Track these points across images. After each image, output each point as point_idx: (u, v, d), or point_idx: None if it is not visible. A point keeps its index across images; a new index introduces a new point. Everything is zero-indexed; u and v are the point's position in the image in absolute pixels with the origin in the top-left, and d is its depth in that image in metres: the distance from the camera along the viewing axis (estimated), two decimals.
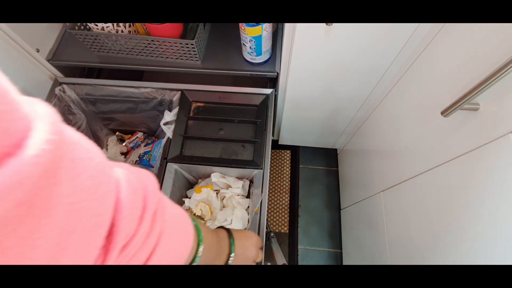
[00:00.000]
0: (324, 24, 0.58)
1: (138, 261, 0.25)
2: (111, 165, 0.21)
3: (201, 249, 0.35)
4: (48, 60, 0.82)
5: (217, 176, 0.74)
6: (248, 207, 0.72)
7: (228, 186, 0.75)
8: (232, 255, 0.44)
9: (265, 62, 0.81)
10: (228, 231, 0.46)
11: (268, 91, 0.80)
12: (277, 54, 0.82)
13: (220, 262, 0.43)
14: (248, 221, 0.69)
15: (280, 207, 1.28)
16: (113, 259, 0.21)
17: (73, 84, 0.83)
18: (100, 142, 0.99)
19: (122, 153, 1.01)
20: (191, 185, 0.82)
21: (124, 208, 0.21)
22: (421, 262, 0.60)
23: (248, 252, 0.48)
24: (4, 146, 0.12)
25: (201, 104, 0.81)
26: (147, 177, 0.26)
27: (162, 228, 0.26)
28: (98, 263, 0.20)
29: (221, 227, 0.48)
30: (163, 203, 0.27)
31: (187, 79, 0.84)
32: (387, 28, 0.60)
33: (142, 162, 0.97)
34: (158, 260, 0.26)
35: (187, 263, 0.34)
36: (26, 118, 0.14)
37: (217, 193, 0.75)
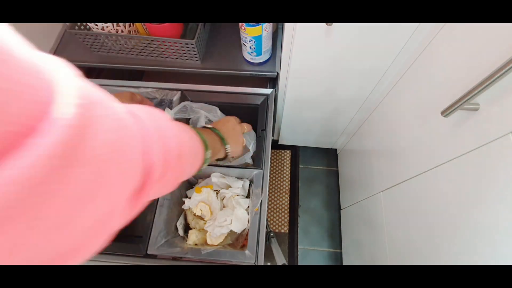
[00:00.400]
0: (324, 24, 0.58)
1: (170, 183, 0.31)
2: (132, 113, 0.25)
3: (209, 153, 0.44)
4: None
5: (217, 176, 0.74)
6: (248, 207, 0.72)
7: (228, 186, 0.75)
8: (228, 146, 0.54)
9: (265, 62, 0.81)
10: (212, 129, 0.54)
11: (268, 91, 0.80)
12: (277, 54, 0.82)
13: (222, 155, 0.54)
14: (248, 221, 0.69)
15: (280, 207, 1.28)
16: (152, 185, 0.26)
17: None
18: None
19: None
20: (191, 185, 0.82)
21: (156, 162, 0.25)
22: (421, 262, 0.60)
23: (234, 132, 0.58)
24: (31, 116, 0.14)
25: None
26: (164, 120, 0.31)
27: (183, 162, 0.32)
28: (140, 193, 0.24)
29: (205, 127, 0.55)
30: (182, 144, 0.32)
31: (187, 79, 0.84)
32: (387, 28, 0.60)
33: None
34: (185, 175, 0.35)
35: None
36: (48, 85, 0.15)
37: (217, 193, 0.75)
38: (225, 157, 0.56)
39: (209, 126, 0.56)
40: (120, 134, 0.20)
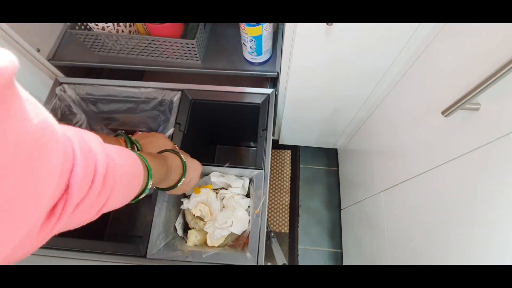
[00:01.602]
0: (325, 24, 0.58)
1: (93, 212, 0.28)
2: (59, 126, 0.22)
3: (150, 183, 0.40)
4: (49, 60, 0.82)
5: (216, 175, 0.74)
6: (249, 206, 0.72)
7: (228, 185, 0.75)
8: (181, 182, 0.53)
9: (266, 61, 0.81)
10: (183, 161, 0.54)
11: (268, 91, 0.80)
12: (278, 53, 0.82)
13: (166, 185, 0.53)
14: (249, 222, 0.69)
15: (281, 207, 1.28)
16: (69, 214, 0.23)
17: (74, 84, 0.83)
18: None
19: None
20: None
21: (79, 173, 0.23)
22: (421, 262, 0.59)
23: (192, 182, 0.58)
24: None
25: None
26: (96, 142, 0.28)
27: (114, 184, 0.29)
28: (56, 216, 0.22)
29: (176, 153, 0.55)
30: (113, 163, 0.29)
31: (188, 79, 0.84)
32: (387, 28, 0.60)
33: None
34: (111, 206, 0.30)
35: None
36: None
37: (216, 193, 0.75)
38: (173, 186, 0.54)
39: (182, 158, 0.54)
40: (40, 131, 0.18)
